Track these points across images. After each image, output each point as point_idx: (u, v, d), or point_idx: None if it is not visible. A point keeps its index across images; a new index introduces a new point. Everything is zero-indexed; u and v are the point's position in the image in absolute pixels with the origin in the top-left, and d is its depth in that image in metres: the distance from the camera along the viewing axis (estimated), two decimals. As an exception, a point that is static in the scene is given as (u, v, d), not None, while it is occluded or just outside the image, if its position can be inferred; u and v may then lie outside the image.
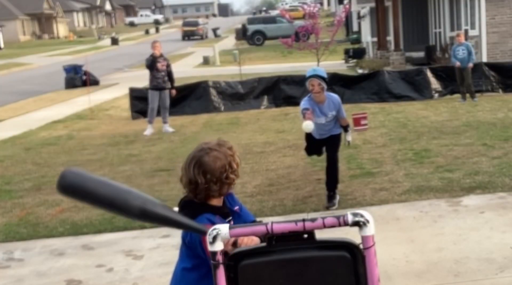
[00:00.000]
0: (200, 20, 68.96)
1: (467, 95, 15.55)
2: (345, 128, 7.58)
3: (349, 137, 7.73)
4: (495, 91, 16.62)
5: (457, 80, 15.69)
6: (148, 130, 13.87)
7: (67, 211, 8.02)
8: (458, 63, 15.31)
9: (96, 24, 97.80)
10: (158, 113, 13.91)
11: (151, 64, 13.46)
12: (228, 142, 3.01)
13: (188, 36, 61.41)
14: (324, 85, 7.15)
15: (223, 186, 2.94)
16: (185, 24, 64.60)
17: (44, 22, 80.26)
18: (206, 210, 2.94)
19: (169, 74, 13.70)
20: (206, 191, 2.92)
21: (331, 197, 7.49)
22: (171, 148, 12.07)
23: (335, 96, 7.58)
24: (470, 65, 15.29)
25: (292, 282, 2.47)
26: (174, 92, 13.96)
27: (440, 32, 25.80)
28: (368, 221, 2.44)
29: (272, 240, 2.48)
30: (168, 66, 13.65)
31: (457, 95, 16.58)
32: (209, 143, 2.97)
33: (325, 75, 7.18)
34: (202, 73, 27.29)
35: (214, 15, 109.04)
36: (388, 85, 16.93)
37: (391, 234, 6.19)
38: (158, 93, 13.67)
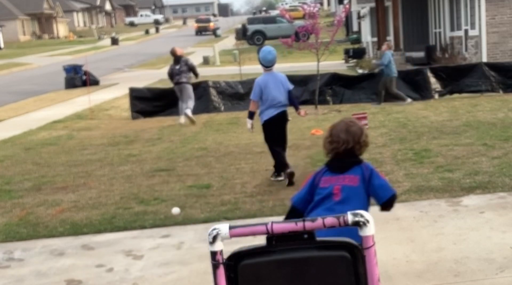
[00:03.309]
0: (211, 17, 77.61)
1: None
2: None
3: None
4: (495, 91, 16.61)
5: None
6: (181, 119, 15.31)
7: (67, 211, 8.02)
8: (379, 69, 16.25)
9: (96, 24, 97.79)
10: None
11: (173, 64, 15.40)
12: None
13: (201, 31, 67.38)
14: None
15: (362, 147, 4.09)
16: (198, 21, 70.89)
17: (44, 22, 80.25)
18: (355, 163, 4.00)
19: (191, 69, 15.23)
20: (354, 150, 4.04)
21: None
22: (171, 148, 12.07)
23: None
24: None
25: (292, 282, 2.47)
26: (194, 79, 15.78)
27: (440, 32, 25.79)
28: (368, 221, 2.44)
29: (272, 240, 2.48)
30: (185, 65, 15.12)
31: (457, 95, 16.59)
32: (352, 119, 4.29)
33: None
34: (202, 73, 27.23)
35: (214, 15, 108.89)
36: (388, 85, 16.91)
37: (391, 234, 6.19)
38: (177, 87, 15.22)
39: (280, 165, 8.66)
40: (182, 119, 15.17)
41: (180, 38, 63.89)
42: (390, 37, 26.03)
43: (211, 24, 68.42)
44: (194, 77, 15.48)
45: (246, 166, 9.90)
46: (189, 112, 15.09)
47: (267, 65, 8.58)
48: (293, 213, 3.96)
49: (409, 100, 15.94)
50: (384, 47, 16.64)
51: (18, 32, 73.19)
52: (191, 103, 15.26)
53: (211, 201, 8.00)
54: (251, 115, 8.64)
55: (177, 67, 15.15)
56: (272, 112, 8.52)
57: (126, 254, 6.37)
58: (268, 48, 8.70)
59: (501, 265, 5.26)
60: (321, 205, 3.87)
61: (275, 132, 8.65)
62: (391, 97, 16.13)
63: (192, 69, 15.24)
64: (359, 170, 3.97)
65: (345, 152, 4.00)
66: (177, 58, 15.22)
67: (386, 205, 4.24)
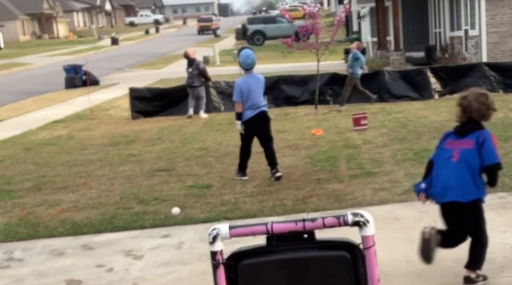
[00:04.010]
0: (213, 17, 78.44)
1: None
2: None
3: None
4: (495, 91, 16.61)
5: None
6: (190, 111, 16.27)
7: (67, 211, 8.02)
8: (350, 70, 16.14)
9: (96, 24, 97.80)
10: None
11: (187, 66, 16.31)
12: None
13: (203, 30, 67.90)
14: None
15: (490, 114, 4.90)
16: (201, 20, 71.74)
17: (44, 22, 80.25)
18: (475, 129, 4.82)
19: (201, 74, 16.02)
20: (482, 116, 4.87)
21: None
22: (171, 148, 12.07)
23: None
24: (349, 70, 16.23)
25: (292, 282, 2.47)
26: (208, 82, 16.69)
27: (440, 32, 25.80)
28: (368, 221, 2.44)
29: (272, 240, 2.48)
30: (197, 68, 15.90)
31: (457, 95, 16.57)
32: (479, 90, 5.07)
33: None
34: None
35: (214, 15, 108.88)
36: (388, 85, 16.94)
37: (391, 234, 6.19)
38: (190, 89, 16.15)
39: (244, 165, 9.02)
40: (191, 111, 16.15)
41: (180, 38, 63.91)
42: (390, 37, 26.05)
43: (213, 24, 69.44)
44: (206, 80, 16.30)
45: (246, 166, 9.89)
46: (202, 113, 16.12)
47: (247, 68, 8.87)
48: (430, 165, 5.05)
49: (374, 96, 16.05)
50: (353, 45, 16.63)
51: (18, 32, 73.19)
52: (203, 103, 16.20)
53: (211, 201, 8.00)
54: (239, 116, 8.84)
55: (190, 70, 16.00)
56: (251, 113, 8.76)
57: (126, 254, 6.37)
58: (247, 52, 8.96)
59: (501, 265, 5.26)
60: (442, 164, 4.89)
61: (255, 133, 8.91)
62: (359, 96, 16.32)
63: (202, 73, 15.97)
64: (476, 135, 4.75)
65: (470, 119, 4.84)
66: (190, 61, 16.02)
67: (488, 171, 4.86)
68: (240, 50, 9.16)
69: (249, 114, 8.75)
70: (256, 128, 8.85)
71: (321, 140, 11.71)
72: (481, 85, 16.59)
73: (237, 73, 22.18)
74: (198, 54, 19.81)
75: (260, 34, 48.97)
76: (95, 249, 6.63)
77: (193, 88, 16.08)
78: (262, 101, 8.86)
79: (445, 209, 4.93)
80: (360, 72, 16.11)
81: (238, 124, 8.86)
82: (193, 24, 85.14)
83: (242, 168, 9.05)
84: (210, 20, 72.51)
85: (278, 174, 8.79)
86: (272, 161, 8.90)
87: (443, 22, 25.37)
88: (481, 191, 4.87)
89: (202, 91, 16.26)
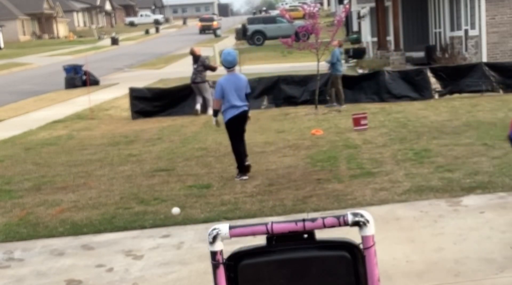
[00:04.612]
0: (215, 17, 79.36)
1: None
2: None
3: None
4: (495, 91, 16.61)
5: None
6: (197, 106, 16.62)
7: (67, 211, 8.02)
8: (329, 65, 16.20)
9: (96, 24, 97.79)
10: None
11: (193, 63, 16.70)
12: None
13: (205, 30, 68.12)
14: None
15: None
16: (202, 19, 72.41)
17: (44, 22, 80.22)
18: None
19: (207, 68, 16.47)
20: None
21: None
22: (171, 148, 12.07)
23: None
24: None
25: (292, 282, 2.47)
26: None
27: (440, 32, 25.79)
28: (368, 221, 2.44)
29: (272, 240, 2.48)
30: (201, 65, 16.34)
31: (457, 95, 16.58)
32: None
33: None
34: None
35: (214, 15, 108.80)
36: (388, 85, 16.92)
37: (391, 234, 6.19)
38: (193, 86, 16.52)
39: (242, 165, 9.15)
40: (198, 106, 16.51)
41: (180, 38, 63.89)
42: (390, 37, 26.04)
43: (215, 23, 70.11)
44: (212, 71, 16.68)
45: (246, 166, 9.89)
46: (210, 110, 16.20)
47: (228, 66, 9.07)
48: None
49: (343, 106, 15.83)
50: (334, 42, 16.57)
51: (18, 32, 73.15)
52: (210, 102, 16.14)
53: (211, 201, 8.01)
54: (215, 113, 9.32)
55: (195, 66, 16.44)
56: (234, 112, 8.99)
57: (126, 254, 6.37)
58: (228, 50, 9.35)
59: (501, 265, 5.26)
60: None
61: (238, 130, 9.19)
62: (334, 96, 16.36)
63: (207, 67, 16.48)
64: None
65: None
66: (195, 58, 16.45)
67: None
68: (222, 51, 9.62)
69: (232, 112, 8.99)
70: (237, 126, 9.15)
71: (321, 140, 11.71)
72: (481, 85, 16.63)
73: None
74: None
75: (260, 34, 48.93)
76: (95, 249, 6.63)
77: (195, 84, 16.46)
78: (244, 101, 9.09)
79: None
80: (341, 69, 16.21)
81: (214, 120, 9.38)
82: (193, 24, 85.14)
83: (240, 168, 9.14)
84: (211, 19, 73.56)
85: (247, 163, 9.20)
86: (241, 165, 9.20)
87: (443, 22, 25.37)
88: None
89: (204, 88, 16.50)
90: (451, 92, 16.71)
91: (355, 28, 41.62)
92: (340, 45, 16.66)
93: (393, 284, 5.09)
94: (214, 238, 2.44)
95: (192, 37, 63.98)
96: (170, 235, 6.84)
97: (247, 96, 9.19)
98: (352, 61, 28.90)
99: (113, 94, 22.58)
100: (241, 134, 9.24)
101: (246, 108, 9.09)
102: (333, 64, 16.09)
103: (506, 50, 20.75)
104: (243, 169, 9.12)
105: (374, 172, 8.80)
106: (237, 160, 9.16)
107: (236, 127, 9.11)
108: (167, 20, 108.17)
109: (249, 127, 14.07)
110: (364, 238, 2.45)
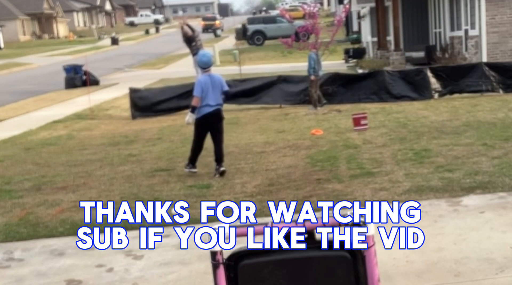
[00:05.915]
0: (217, 16, 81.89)
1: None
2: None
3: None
4: (495, 91, 16.60)
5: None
6: None
7: (67, 211, 8.02)
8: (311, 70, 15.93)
9: (96, 24, 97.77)
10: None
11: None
12: None
13: (207, 29, 68.56)
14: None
15: None
16: (205, 19, 74.15)
17: (44, 22, 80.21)
18: None
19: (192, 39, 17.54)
20: None
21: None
22: (171, 148, 12.07)
23: None
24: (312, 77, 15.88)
25: (292, 282, 2.47)
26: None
27: (440, 32, 25.79)
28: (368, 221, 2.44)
29: (272, 240, 2.48)
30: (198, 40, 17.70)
31: (457, 95, 16.58)
32: None
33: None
34: (202, 73, 27.25)
35: (214, 15, 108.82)
36: (388, 85, 16.91)
37: (391, 234, 6.18)
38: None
39: (195, 158, 9.49)
40: None
41: (180, 38, 63.73)
42: (390, 37, 26.03)
43: (217, 22, 71.42)
44: (192, 32, 17.50)
45: (246, 166, 9.90)
46: None
47: (204, 67, 9.32)
48: None
49: (318, 109, 15.73)
50: (311, 46, 16.50)
51: (18, 32, 73.15)
52: None
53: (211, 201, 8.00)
54: (193, 110, 9.34)
55: (193, 44, 17.40)
56: (206, 110, 9.20)
57: (126, 254, 6.37)
58: (204, 51, 9.65)
59: (501, 265, 5.26)
60: None
61: (209, 130, 9.38)
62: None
63: (190, 37, 17.39)
64: None
65: None
66: (189, 39, 17.60)
67: None
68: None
69: (205, 110, 9.20)
70: (210, 125, 9.35)
71: (321, 140, 11.71)
72: (481, 85, 16.63)
73: (237, 73, 22.19)
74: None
75: (260, 34, 48.93)
76: (95, 249, 6.62)
77: None
78: (219, 100, 9.30)
79: None
80: (320, 72, 16.09)
81: (191, 117, 9.37)
82: (193, 24, 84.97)
83: (192, 161, 9.48)
84: (214, 19, 75.23)
85: (222, 168, 9.28)
86: (219, 157, 9.37)
87: (443, 22, 25.36)
88: None
89: None
90: (451, 92, 16.70)
91: (355, 28, 41.62)
92: (315, 49, 16.20)
93: (393, 284, 5.09)
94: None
95: (192, 37, 63.84)
96: (170, 235, 6.84)
97: (227, 94, 9.56)
98: (352, 61, 28.89)
99: (113, 94, 22.58)
100: (214, 135, 9.38)
101: (219, 108, 9.31)
102: (312, 68, 15.88)
103: (506, 50, 20.74)
104: (194, 161, 9.45)
105: (374, 172, 8.80)
106: (192, 153, 9.48)
107: (205, 127, 9.34)
108: (167, 20, 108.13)
109: (249, 127, 14.13)
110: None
